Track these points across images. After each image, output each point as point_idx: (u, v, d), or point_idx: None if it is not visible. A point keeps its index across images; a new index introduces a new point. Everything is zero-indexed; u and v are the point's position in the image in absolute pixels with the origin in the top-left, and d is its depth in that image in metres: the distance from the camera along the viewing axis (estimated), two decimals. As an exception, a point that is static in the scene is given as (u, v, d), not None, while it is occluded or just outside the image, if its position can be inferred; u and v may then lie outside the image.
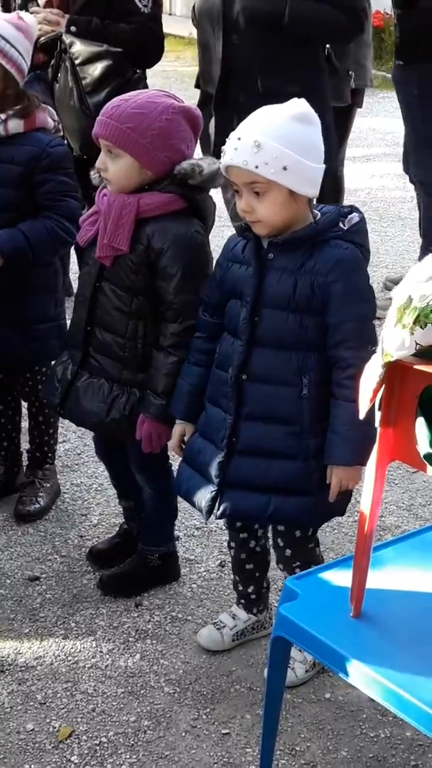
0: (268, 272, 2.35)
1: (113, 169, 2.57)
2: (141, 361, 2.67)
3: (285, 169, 2.26)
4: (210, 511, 2.45)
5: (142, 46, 4.01)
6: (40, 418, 3.31)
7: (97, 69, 3.91)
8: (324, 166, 2.36)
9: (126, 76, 3.96)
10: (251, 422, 2.41)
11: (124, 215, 2.56)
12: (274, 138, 2.26)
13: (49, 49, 4.02)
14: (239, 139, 2.27)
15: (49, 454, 3.39)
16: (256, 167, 2.25)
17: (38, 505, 3.29)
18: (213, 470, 2.44)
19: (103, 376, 2.71)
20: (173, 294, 2.58)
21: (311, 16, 3.54)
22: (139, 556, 2.97)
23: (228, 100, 3.67)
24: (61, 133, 3.14)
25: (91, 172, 2.70)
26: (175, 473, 2.64)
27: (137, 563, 2.97)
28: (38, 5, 4.11)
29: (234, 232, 2.53)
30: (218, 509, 2.44)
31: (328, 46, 3.80)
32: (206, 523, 3.05)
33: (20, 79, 2.98)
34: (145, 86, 3.30)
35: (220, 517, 2.48)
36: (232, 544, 2.68)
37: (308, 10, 3.53)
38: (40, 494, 3.32)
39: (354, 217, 2.35)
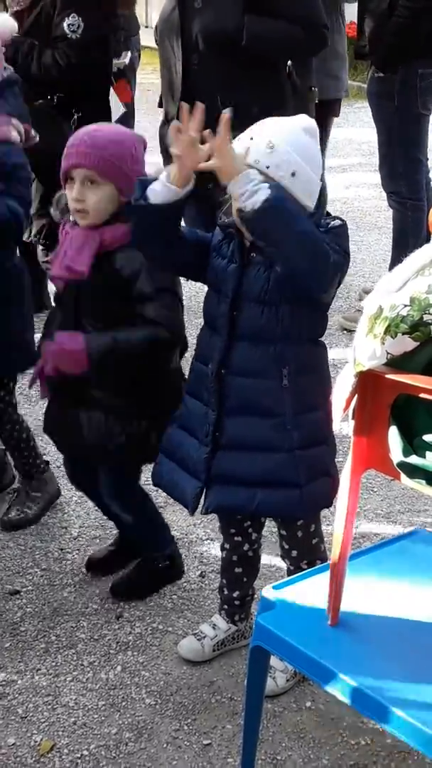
0: (248, 268, 2.38)
1: (93, 199, 2.60)
2: (122, 385, 2.70)
3: (293, 174, 2.28)
4: (195, 506, 2.48)
5: (57, 73, 4.01)
6: (13, 434, 3.32)
7: None
8: (321, 183, 2.39)
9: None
10: (234, 416, 2.43)
11: (85, 244, 2.61)
12: (287, 143, 2.29)
13: None
14: (251, 138, 2.30)
15: (34, 469, 3.40)
16: (267, 167, 2.27)
17: (22, 516, 3.32)
18: (197, 465, 2.46)
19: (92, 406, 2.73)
20: (153, 313, 2.61)
21: (270, 34, 3.54)
22: (145, 561, 3.01)
23: None
24: (35, 141, 3.13)
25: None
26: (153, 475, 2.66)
27: (145, 566, 3.00)
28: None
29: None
30: (204, 505, 2.46)
31: (290, 63, 3.80)
32: (200, 517, 3.04)
33: None
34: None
35: (205, 513, 2.50)
36: (226, 546, 2.70)
37: (266, 28, 3.53)
38: (28, 503, 3.34)
39: (335, 221, 2.37)
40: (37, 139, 3.12)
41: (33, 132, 3.12)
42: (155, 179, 2.31)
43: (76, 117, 4.03)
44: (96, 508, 3.12)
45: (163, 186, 2.29)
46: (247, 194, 2.19)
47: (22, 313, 3.17)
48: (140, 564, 3.01)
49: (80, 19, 3.97)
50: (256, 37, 3.51)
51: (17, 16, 4.06)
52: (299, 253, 2.24)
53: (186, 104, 2.24)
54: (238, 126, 2.31)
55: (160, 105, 3.94)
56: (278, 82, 3.71)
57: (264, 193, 2.18)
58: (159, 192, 2.30)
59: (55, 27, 4.01)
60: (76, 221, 2.65)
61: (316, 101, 4.48)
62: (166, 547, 3.00)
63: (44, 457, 3.52)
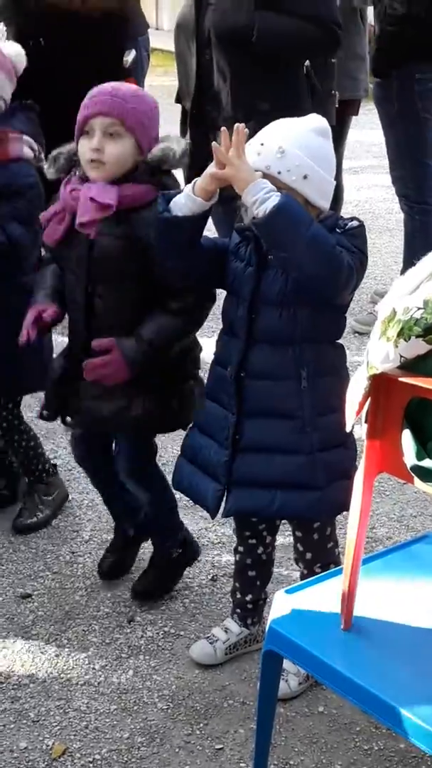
0: (265, 271, 2.38)
1: (112, 150, 2.53)
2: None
3: (305, 178, 2.30)
4: (216, 509, 2.48)
5: None
6: (21, 443, 3.31)
7: None
8: (335, 182, 2.40)
9: None
10: (254, 419, 2.43)
11: (106, 188, 2.52)
12: (298, 147, 2.30)
13: None
14: (262, 144, 2.31)
15: (44, 474, 3.39)
16: (279, 173, 2.28)
17: (35, 519, 3.32)
18: (218, 469, 2.47)
19: None
20: (176, 306, 2.59)
21: (281, 32, 3.49)
22: (160, 555, 2.98)
23: (203, 116, 3.68)
24: (43, 163, 3.11)
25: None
26: (164, 469, 2.67)
27: (161, 562, 2.98)
28: None
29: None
30: (225, 508, 2.47)
31: (307, 64, 3.77)
32: (211, 521, 3.04)
33: None
34: None
35: (226, 515, 2.51)
36: (240, 549, 2.69)
37: (278, 25, 3.48)
38: (40, 507, 3.34)
39: (353, 222, 2.37)
40: (43, 163, 3.10)
41: (42, 155, 3.06)
42: (178, 192, 2.34)
43: None
44: (108, 511, 3.10)
45: (188, 198, 2.31)
46: (258, 202, 2.21)
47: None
48: (155, 560, 3.00)
49: (3, 26, 3.91)
50: (267, 33, 3.47)
51: None
52: (311, 259, 2.24)
53: (225, 130, 2.26)
54: (248, 123, 2.31)
55: (178, 101, 3.93)
56: (293, 81, 3.66)
57: (274, 200, 2.20)
58: (184, 204, 2.32)
59: None
60: (87, 176, 2.56)
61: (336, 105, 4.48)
62: (177, 534, 2.96)
63: (54, 460, 3.53)
